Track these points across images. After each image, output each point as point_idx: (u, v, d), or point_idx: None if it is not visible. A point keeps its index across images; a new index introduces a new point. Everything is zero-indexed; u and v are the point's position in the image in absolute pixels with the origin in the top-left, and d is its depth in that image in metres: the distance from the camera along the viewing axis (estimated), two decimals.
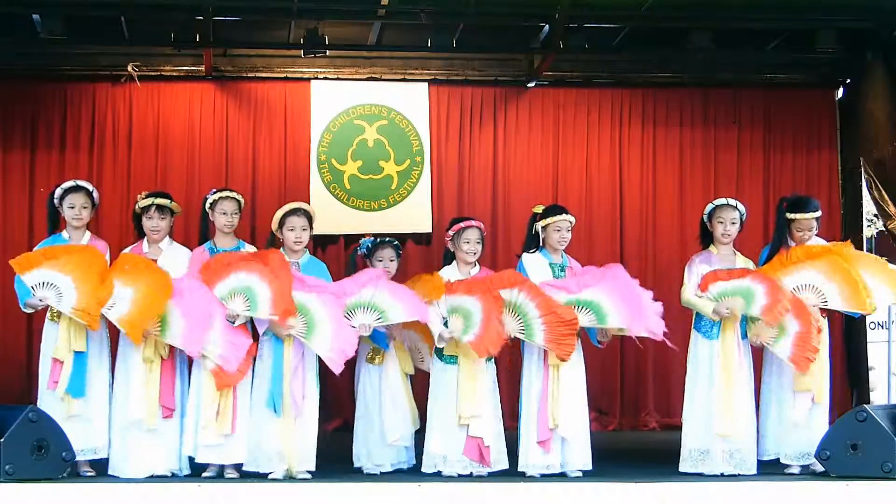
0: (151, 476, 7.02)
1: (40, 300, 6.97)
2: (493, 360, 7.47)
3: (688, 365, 7.51)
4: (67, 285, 6.94)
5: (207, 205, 7.39)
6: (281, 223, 7.34)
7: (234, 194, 7.43)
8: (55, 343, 6.97)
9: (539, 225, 7.43)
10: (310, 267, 7.36)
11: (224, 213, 7.37)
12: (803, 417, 7.24)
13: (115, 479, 6.95)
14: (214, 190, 7.56)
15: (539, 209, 7.54)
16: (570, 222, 7.46)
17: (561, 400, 7.13)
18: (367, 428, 7.28)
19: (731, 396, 7.24)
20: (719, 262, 7.45)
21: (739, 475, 7.20)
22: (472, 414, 7.17)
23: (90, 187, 7.37)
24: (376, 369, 7.25)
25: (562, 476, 7.11)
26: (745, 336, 7.40)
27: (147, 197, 7.37)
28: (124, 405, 7.08)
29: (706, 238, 7.61)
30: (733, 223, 7.51)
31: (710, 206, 7.62)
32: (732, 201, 7.60)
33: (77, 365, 6.92)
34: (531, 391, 7.25)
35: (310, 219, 7.40)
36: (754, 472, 7.24)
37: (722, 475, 7.21)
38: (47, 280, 6.96)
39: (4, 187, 10.39)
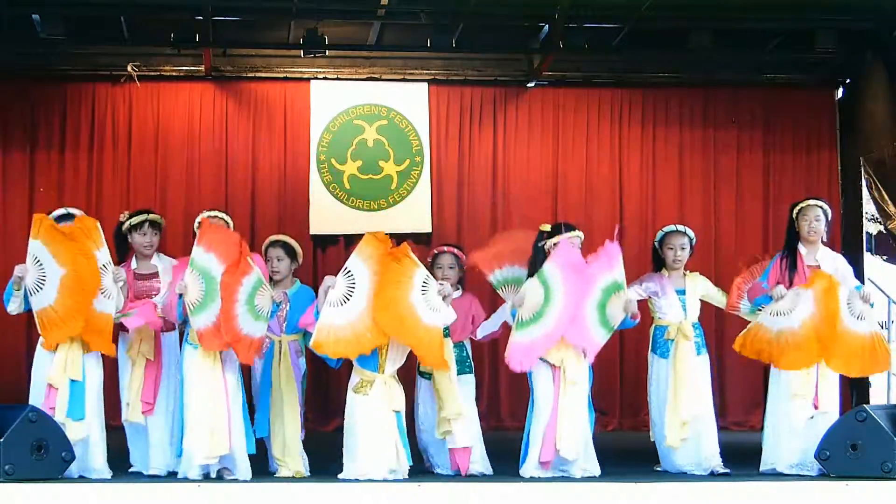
0: (150, 476, 7.08)
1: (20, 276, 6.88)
2: (472, 374, 7.53)
3: (648, 388, 7.70)
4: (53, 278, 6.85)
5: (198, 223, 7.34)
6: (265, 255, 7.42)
7: (223, 216, 7.40)
8: (48, 371, 6.91)
9: (552, 242, 7.38)
10: (298, 296, 7.40)
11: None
12: (801, 425, 7.23)
13: (118, 477, 6.98)
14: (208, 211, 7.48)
15: (546, 227, 7.49)
16: (581, 238, 7.42)
17: (564, 419, 7.10)
18: (350, 451, 7.05)
19: (678, 411, 7.39)
20: (670, 284, 7.60)
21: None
22: (454, 416, 7.21)
23: (78, 212, 7.31)
24: (362, 400, 7.00)
25: (563, 476, 7.10)
26: (700, 352, 7.55)
27: (137, 214, 7.37)
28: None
29: (657, 263, 7.75)
30: (682, 248, 7.65)
31: (660, 234, 7.77)
32: (681, 227, 7.74)
33: (74, 388, 6.90)
34: (541, 414, 7.18)
35: (289, 250, 7.44)
36: (723, 469, 7.35)
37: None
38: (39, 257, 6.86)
39: (4, 187, 10.40)
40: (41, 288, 6.84)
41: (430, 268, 7.51)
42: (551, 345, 7.08)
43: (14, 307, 7.00)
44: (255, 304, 6.92)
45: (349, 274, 6.94)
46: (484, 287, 9.40)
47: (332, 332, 6.87)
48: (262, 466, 7.27)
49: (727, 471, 7.32)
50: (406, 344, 6.99)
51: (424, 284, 6.99)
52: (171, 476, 7.04)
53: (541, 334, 7.08)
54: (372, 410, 6.94)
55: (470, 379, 7.54)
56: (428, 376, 7.38)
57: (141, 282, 7.31)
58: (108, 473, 6.97)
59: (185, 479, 6.85)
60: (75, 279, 6.83)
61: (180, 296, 6.88)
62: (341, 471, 6.97)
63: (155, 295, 7.26)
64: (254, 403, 7.43)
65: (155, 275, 7.31)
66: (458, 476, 7.15)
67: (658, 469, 7.56)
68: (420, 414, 7.52)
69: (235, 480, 6.88)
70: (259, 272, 7.01)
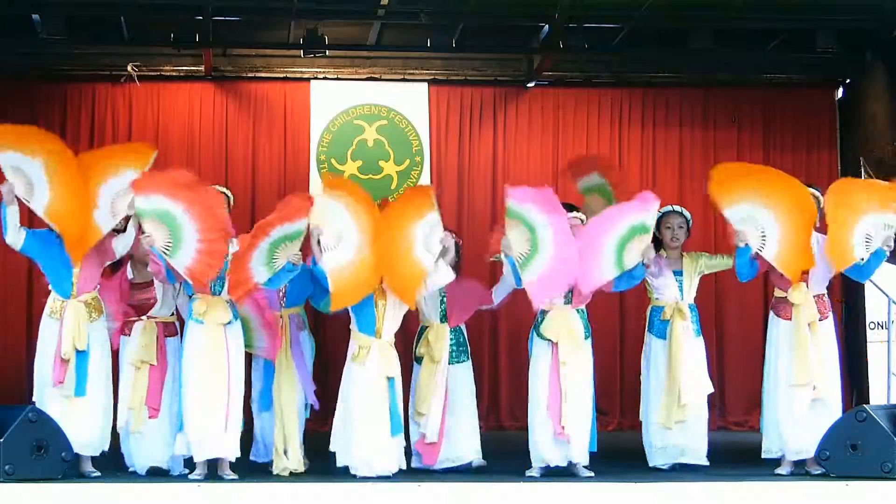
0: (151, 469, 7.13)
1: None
2: (468, 360, 7.64)
3: (642, 366, 7.80)
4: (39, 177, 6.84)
5: None
6: None
7: (223, 189, 7.36)
8: (55, 340, 6.94)
9: None
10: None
11: None
12: (803, 413, 7.23)
13: (117, 477, 7.02)
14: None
15: None
16: (581, 220, 7.46)
17: (569, 399, 7.13)
18: (343, 428, 7.12)
19: (676, 392, 7.48)
20: (667, 264, 7.69)
21: (692, 465, 7.50)
22: (423, 412, 7.38)
23: None
24: (358, 368, 7.06)
25: (563, 476, 7.11)
26: (698, 334, 7.66)
27: None
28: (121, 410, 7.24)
29: (655, 246, 7.77)
30: (680, 228, 7.75)
31: (657, 215, 7.77)
32: (678, 208, 7.82)
33: (80, 363, 6.92)
34: (537, 392, 7.22)
35: None
36: (705, 461, 7.52)
37: (681, 466, 7.54)
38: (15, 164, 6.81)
39: None
40: (32, 190, 6.82)
41: None
42: (567, 271, 7.09)
43: (13, 233, 6.93)
44: (276, 250, 6.91)
45: (327, 214, 6.98)
46: (480, 275, 9.38)
47: (345, 271, 6.93)
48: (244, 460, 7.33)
49: (706, 463, 7.48)
50: (388, 274, 7.03)
51: (435, 224, 7.07)
52: (169, 474, 7.07)
53: (549, 262, 7.08)
54: (368, 380, 7.01)
55: (467, 366, 7.63)
56: (420, 361, 7.52)
57: (138, 293, 7.32)
58: (105, 445, 6.99)
59: (185, 479, 6.88)
60: (58, 163, 6.83)
61: (158, 254, 6.83)
62: (343, 469, 6.99)
63: (153, 303, 7.29)
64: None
65: (150, 283, 7.30)
66: (447, 472, 7.28)
67: (654, 467, 7.62)
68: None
69: (233, 478, 6.90)
70: (304, 226, 6.95)
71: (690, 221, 7.80)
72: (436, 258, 7.07)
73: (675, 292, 7.66)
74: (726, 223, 7.44)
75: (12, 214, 6.91)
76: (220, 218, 6.91)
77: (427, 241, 7.06)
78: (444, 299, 7.51)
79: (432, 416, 7.37)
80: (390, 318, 7.10)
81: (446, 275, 7.17)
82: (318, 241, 6.96)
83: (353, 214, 7.06)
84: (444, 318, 7.52)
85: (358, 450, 6.93)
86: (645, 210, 7.23)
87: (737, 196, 7.29)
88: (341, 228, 7.01)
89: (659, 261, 7.65)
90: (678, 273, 7.69)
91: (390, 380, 7.07)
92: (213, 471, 6.98)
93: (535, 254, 7.10)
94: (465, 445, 7.51)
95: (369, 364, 7.03)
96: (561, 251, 7.08)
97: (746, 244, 7.25)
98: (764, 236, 7.24)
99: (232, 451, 6.97)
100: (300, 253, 7.09)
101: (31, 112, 10.45)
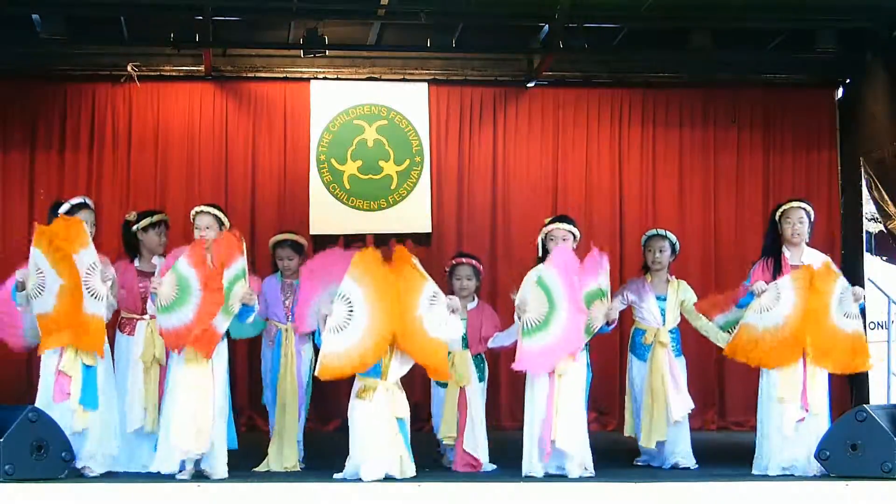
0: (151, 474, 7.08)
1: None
2: (484, 382, 7.70)
3: (626, 384, 7.97)
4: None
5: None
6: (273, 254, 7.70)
7: (217, 212, 7.26)
8: (57, 359, 6.92)
9: (544, 231, 7.41)
10: None
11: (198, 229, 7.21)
12: (790, 427, 7.21)
13: (117, 476, 7.02)
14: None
15: (547, 220, 7.55)
16: (568, 231, 7.35)
17: (561, 413, 7.12)
18: (351, 455, 6.99)
19: (658, 411, 7.61)
20: (651, 290, 7.77)
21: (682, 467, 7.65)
22: (452, 434, 7.46)
23: (92, 204, 7.31)
24: (363, 405, 6.92)
25: (563, 477, 7.11)
26: (679, 354, 7.77)
27: (150, 214, 7.40)
28: (126, 412, 7.26)
29: (646, 266, 7.91)
30: (661, 251, 7.81)
31: (643, 237, 7.94)
32: (662, 231, 7.88)
33: (88, 377, 6.90)
34: (535, 401, 7.21)
35: (297, 247, 7.73)
36: (694, 464, 7.69)
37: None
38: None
39: (4, 187, 10.40)
40: (41, 294, 6.86)
41: (449, 277, 7.67)
42: (570, 349, 7.08)
43: (22, 309, 7.01)
44: (230, 296, 6.89)
45: (345, 298, 6.86)
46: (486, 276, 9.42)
47: (336, 358, 6.84)
48: (258, 460, 7.38)
49: (695, 466, 7.63)
50: (413, 356, 6.97)
51: (433, 298, 6.98)
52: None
53: (551, 342, 7.05)
54: (373, 415, 6.89)
55: (482, 387, 7.69)
56: (444, 385, 7.55)
57: (143, 281, 7.36)
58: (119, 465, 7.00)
59: (185, 479, 6.88)
60: (71, 290, 6.85)
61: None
62: (339, 470, 6.98)
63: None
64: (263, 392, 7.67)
65: (153, 273, 7.30)
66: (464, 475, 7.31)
67: (639, 463, 7.84)
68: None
69: (210, 480, 6.89)
70: (244, 263, 6.96)
71: (677, 245, 7.86)
72: (445, 320, 7.00)
73: (657, 318, 7.73)
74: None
75: (22, 296, 6.93)
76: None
77: (436, 315, 6.95)
78: (466, 327, 7.47)
79: (480, 441, 7.48)
80: (396, 364, 6.97)
81: (457, 330, 7.13)
82: (324, 320, 6.86)
83: (367, 300, 6.88)
84: (466, 345, 7.53)
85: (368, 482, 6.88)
86: (595, 276, 7.15)
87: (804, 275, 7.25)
88: (350, 314, 6.84)
89: (643, 286, 7.70)
90: (661, 298, 7.77)
91: (400, 421, 6.96)
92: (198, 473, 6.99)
93: (543, 330, 7.04)
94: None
95: (375, 402, 6.91)
96: (568, 334, 7.05)
97: (754, 293, 7.26)
98: (765, 309, 7.23)
99: (220, 470, 6.94)
100: (252, 291, 7.01)
101: (32, 112, 10.48)
